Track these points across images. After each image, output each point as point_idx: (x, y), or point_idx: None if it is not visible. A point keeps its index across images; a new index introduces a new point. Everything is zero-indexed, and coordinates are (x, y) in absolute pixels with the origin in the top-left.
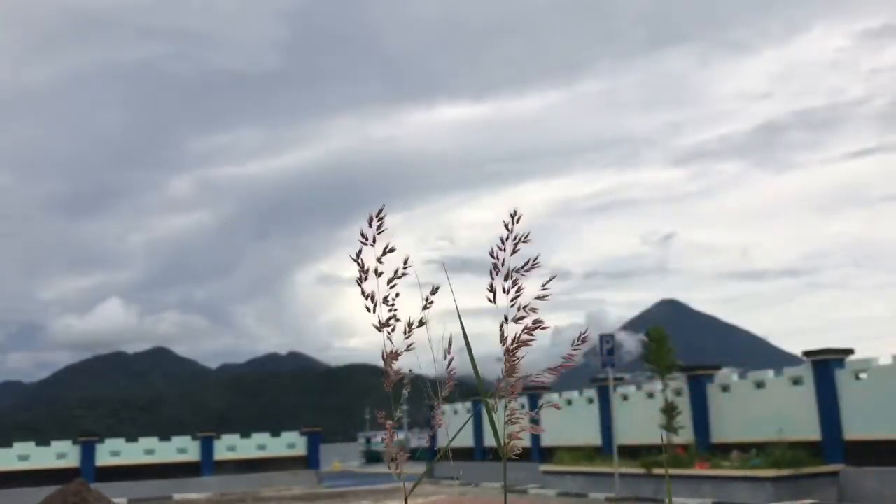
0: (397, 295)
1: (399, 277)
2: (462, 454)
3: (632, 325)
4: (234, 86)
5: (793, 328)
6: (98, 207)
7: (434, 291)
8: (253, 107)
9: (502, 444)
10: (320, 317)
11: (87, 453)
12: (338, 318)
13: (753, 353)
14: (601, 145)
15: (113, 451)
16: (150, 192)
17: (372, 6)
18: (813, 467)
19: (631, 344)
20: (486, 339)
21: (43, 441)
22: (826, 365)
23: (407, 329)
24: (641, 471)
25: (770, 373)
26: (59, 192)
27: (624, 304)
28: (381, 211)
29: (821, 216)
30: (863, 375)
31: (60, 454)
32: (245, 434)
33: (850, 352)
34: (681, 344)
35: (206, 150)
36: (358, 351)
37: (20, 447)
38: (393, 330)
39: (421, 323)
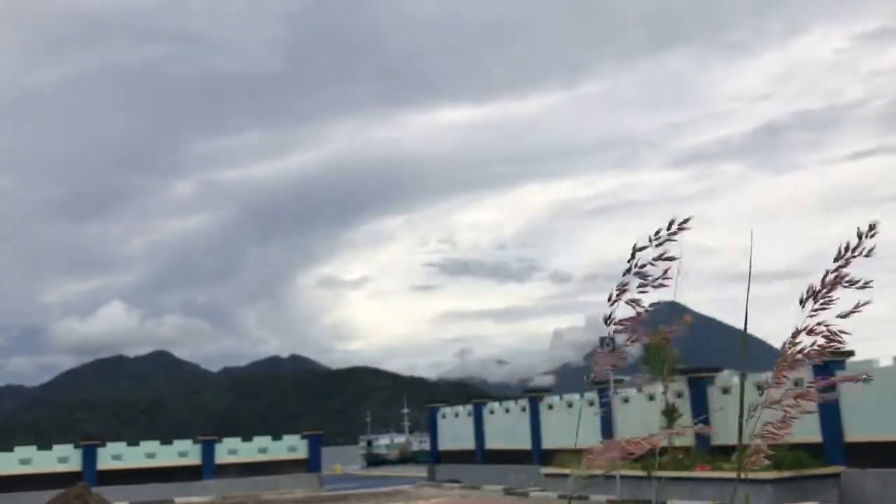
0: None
1: (656, 287)
2: (462, 456)
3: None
4: (235, 88)
5: (793, 330)
6: (100, 210)
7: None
8: (254, 109)
9: (743, 431)
10: (321, 319)
11: (89, 457)
12: (339, 321)
13: (754, 354)
14: (602, 147)
15: (114, 455)
16: (151, 194)
17: (373, 8)
18: (814, 469)
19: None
20: (488, 341)
21: (45, 445)
22: (827, 367)
23: (629, 339)
24: (642, 473)
25: (771, 374)
26: (61, 195)
27: (624, 305)
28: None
29: (821, 217)
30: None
31: (62, 458)
32: (246, 437)
33: (850, 353)
34: (681, 346)
35: (207, 153)
36: (359, 353)
37: (22, 451)
38: (617, 332)
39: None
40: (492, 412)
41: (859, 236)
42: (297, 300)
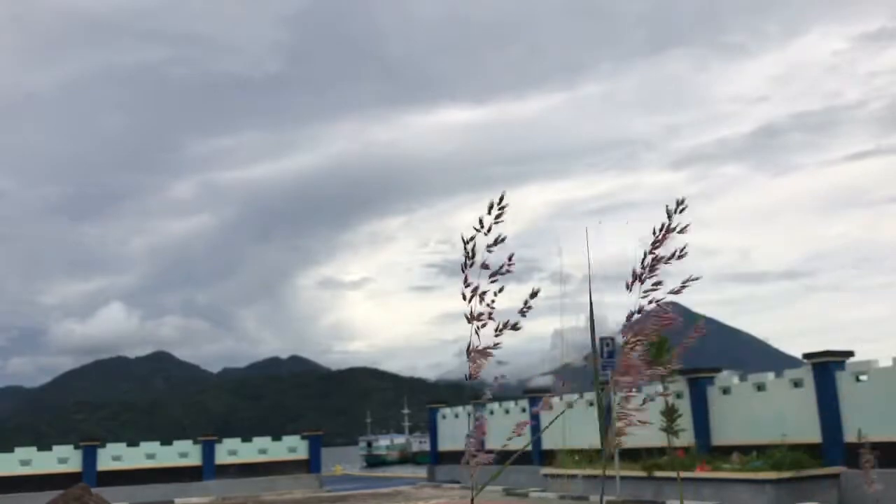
0: (501, 289)
1: (503, 273)
2: (463, 457)
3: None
4: (236, 89)
5: (793, 330)
6: (100, 211)
7: (534, 294)
8: (255, 110)
9: (607, 438)
10: (321, 320)
11: (89, 458)
12: (339, 321)
13: (754, 355)
14: (601, 148)
15: (114, 456)
16: (151, 195)
17: (373, 10)
18: (813, 469)
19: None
20: (488, 341)
21: (44, 446)
22: (826, 367)
23: (500, 327)
24: (642, 474)
25: (770, 375)
26: (61, 196)
27: (624, 306)
28: (501, 198)
29: (820, 218)
30: (863, 377)
31: (62, 459)
32: (246, 438)
33: (850, 354)
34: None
35: (207, 154)
36: (359, 354)
37: (22, 452)
38: (483, 325)
39: (515, 326)
40: (491, 413)
41: (668, 214)
42: (297, 301)
